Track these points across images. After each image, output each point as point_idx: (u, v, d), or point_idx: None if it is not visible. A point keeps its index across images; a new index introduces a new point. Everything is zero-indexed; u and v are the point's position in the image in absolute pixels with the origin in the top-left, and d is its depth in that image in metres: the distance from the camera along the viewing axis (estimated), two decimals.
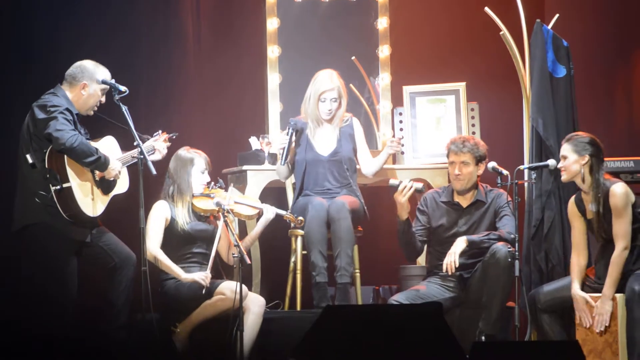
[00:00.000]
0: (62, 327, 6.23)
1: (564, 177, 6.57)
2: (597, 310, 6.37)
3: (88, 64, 6.51)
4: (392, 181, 6.83)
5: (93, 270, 6.55)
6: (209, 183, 6.89)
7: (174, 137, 6.89)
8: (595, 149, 6.50)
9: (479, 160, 6.89)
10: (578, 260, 6.56)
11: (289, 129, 7.16)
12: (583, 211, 6.56)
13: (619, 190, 6.40)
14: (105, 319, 6.47)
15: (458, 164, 6.90)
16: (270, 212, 6.91)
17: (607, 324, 6.34)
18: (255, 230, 6.99)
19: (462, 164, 6.89)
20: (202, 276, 6.64)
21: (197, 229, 6.82)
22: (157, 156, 6.75)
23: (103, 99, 6.53)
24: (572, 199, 6.63)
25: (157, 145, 6.75)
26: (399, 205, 6.79)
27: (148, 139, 6.75)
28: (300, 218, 6.93)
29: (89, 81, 6.46)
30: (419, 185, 6.81)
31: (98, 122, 6.60)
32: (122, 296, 6.48)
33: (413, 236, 6.90)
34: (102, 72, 6.50)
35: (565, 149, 6.55)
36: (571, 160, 6.51)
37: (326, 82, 7.18)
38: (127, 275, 6.50)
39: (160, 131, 6.83)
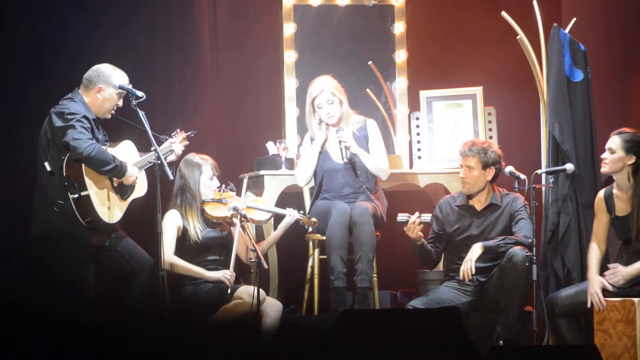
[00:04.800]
0: (80, 329, 6.23)
1: (605, 169, 6.48)
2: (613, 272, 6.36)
3: (104, 68, 6.51)
4: (400, 218, 6.82)
5: (110, 274, 6.56)
6: (219, 187, 6.88)
7: (192, 135, 6.89)
8: None
9: (486, 165, 6.87)
10: (598, 248, 6.52)
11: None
12: (611, 207, 6.49)
13: None
14: (122, 323, 6.47)
15: (464, 168, 6.91)
16: (292, 215, 6.90)
17: (622, 282, 6.32)
18: (275, 233, 6.99)
19: (467, 168, 6.90)
20: (227, 275, 6.65)
21: (209, 237, 6.81)
22: (174, 157, 6.76)
23: (120, 103, 6.53)
24: (602, 193, 6.55)
25: (174, 146, 6.76)
26: (410, 239, 6.82)
27: (166, 139, 6.76)
28: (314, 219, 6.93)
29: (105, 85, 6.46)
30: (427, 218, 6.81)
31: (117, 124, 6.61)
32: (139, 300, 6.50)
33: (429, 252, 6.92)
34: (119, 76, 6.50)
35: (615, 142, 6.44)
36: (617, 155, 6.41)
37: (315, 87, 7.10)
38: (144, 280, 6.51)
39: (178, 130, 6.85)
